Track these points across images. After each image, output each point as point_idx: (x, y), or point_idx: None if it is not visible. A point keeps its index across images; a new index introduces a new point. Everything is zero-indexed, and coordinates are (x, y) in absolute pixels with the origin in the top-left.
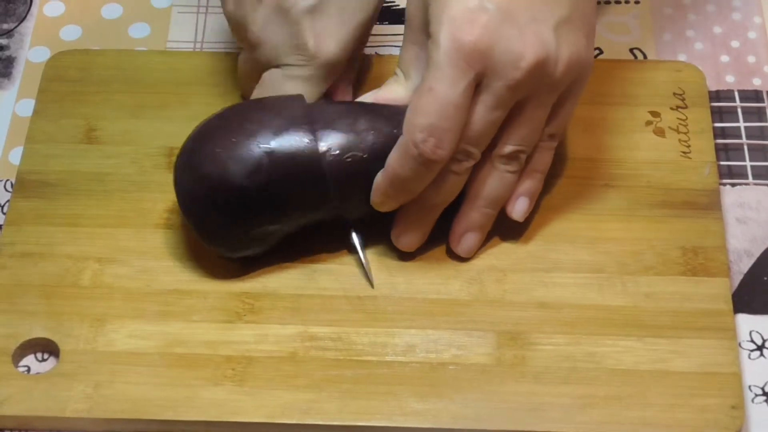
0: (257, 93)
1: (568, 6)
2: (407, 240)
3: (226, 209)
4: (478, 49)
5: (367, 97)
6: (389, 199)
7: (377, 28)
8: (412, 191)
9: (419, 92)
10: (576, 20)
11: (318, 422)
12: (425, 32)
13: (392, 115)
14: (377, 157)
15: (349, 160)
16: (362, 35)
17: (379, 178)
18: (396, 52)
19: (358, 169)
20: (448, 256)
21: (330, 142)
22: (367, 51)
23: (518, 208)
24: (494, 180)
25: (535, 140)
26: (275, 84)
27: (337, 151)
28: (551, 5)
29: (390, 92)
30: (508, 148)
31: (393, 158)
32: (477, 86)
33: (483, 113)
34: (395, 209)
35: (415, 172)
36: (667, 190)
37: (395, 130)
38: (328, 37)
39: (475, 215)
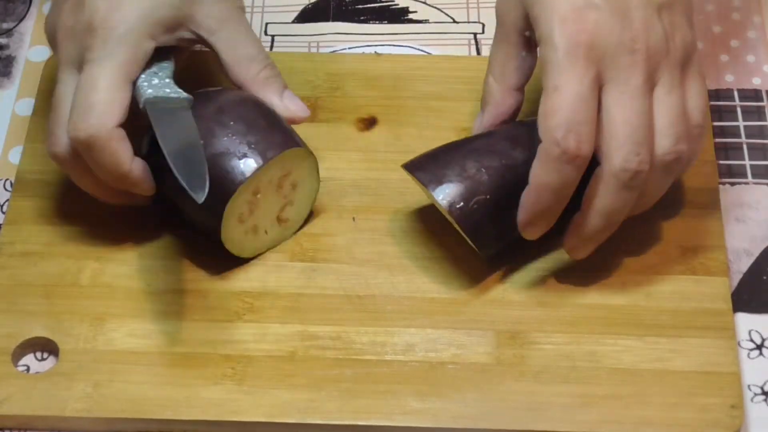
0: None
1: None
2: (582, 251)
3: None
4: (595, 43)
5: (476, 126)
6: (539, 216)
7: (377, 28)
8: (562, 198)
9: (545, 96)
10: (676, 3)
11: (317, 421)
12: (521, 33)
13: (491, 147)
14: (497, 192)
15: (475, 206)
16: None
17: (525, 196)
18: (395, 51)
19: (486, 212)
20: (448, 255)
21: (450, 195)
22: (367, 50)
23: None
24: (657, 182)
25: (686, 128)
26: (84, 78)
27: (461, 203)
28: None
29: (492, 106)
30: (667, 141)
31: (536, 168)
32: (602, 87)
33: (626, 107)
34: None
35: (562, 174)
36: None
37: (503, 160)
38: (121, 8)
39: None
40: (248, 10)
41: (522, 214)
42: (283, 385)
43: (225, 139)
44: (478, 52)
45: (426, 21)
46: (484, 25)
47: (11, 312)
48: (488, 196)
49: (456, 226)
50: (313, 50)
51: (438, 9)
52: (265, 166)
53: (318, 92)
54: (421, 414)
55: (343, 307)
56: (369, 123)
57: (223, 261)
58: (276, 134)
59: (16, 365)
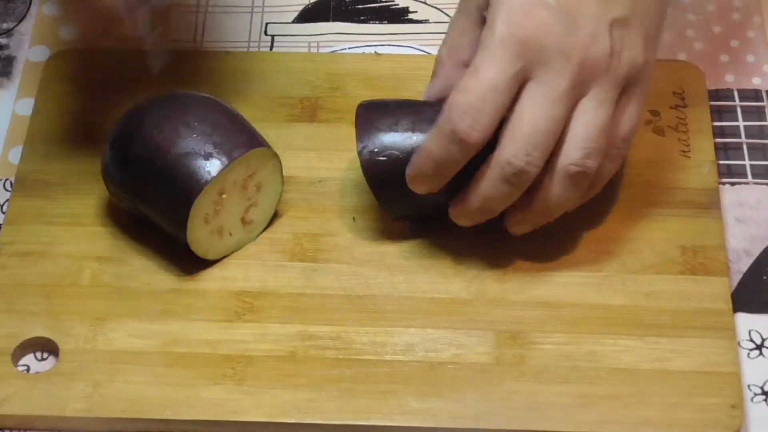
0: None
1: (628, 7)
2: (467, 222)
3: None
4: (532, 40)
5: (425, 94)
6: (422, 179)
7: (377, 28)
8: (444, 174)
9: (467, 74)
10: (634, 22)
11: (317, 421)
12: (480, 11)
13: (432, 116)
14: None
15: (384, 159)
16: None
17: (414, 156)
18: (395, 51)
19: (392, 169)
20: (448, 255)
21: (367, 141)
22: (367, 50)
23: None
24: (557, 191)
25: (602, 145)
26: None
27: (373, 150)
28: (609, 5)
29: (441, 78)
30: (576, 153)
31: (429, 136)
32: (525, 83)
33: (539, 107)
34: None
35: (448, 152)
36: (667, 189)
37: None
38: None
39: (530, 217)
40: (248, 10)
41: (408, 168)
42: (283, 385)
43: (190, 139)
44: None
45: (426, 21)
46: None
47: (11, 312)
48: (401, 156)
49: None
50: (313, 50)
51: (438, 9)
52: (231, 165)
53: (318, 92)
54: (421, 414)
55: (343, 307)
56: None
57: (223, 261)
58: (241, 135)
59: (16, 365)
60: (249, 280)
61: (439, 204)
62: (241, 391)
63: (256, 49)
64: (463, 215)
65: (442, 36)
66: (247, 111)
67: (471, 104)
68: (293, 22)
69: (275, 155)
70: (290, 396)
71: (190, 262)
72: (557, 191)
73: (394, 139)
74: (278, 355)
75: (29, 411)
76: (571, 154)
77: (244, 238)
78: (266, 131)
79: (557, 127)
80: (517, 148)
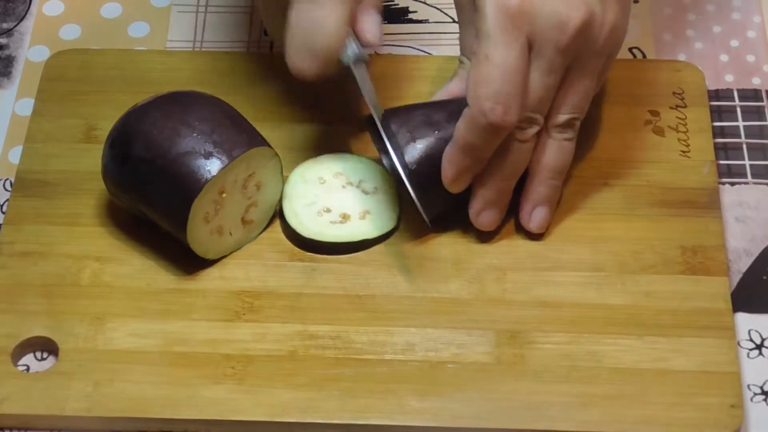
0: (288, 38)
1: None
2: (487, 218)
3: None
4: (524, 11)
5: (439, 95)
6: (460, 171)
7: None
8: (482, 159)
9: (476, 63)
10: None
11: (317, 421)
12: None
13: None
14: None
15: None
16: None
17: (449, 151)
18: (395, 51)
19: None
20: (448, 255)
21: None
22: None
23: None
24: (553, 150)
25: (586, 108)
26: (300, 15)
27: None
28: None
29: (459, 84)
30: (563, 117)
31: (461, 129)
32: (529, 53)
33: (539, 78)
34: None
35: (485, 140)
36: (667, 189)
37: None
38: None
39: (541, 189)
40: (248, 10)
41: (448, 169)
42: (283, 385)
43: (190, 139)
44: None
45: (426, 21)
46: None
47: (11, 312)
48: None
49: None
50: None
51: (438, 9)
52: (231, 164)
53: (318, 92)
54: (421, 413)
55: (343, 306)
56: None
57: (223, 261)
58: (241, 134)
59: (15, 365)
60: (249, 280)
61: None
62: (241, 390)
63: (256, 49)
64: (485, 209)
65: (442, 36)
66: (247, 111)
67: (498, 92)
68: None
69: (275, 155)
70: (290, 395)
71: (190, 262)
72: (551, 151)
73: (432, 136)
74: (278, 354)
75: (29, 410)
76: (558, 118)
77: (244, 237)
78: (266, 131)
79: (552, 89)
80: (486, 97)
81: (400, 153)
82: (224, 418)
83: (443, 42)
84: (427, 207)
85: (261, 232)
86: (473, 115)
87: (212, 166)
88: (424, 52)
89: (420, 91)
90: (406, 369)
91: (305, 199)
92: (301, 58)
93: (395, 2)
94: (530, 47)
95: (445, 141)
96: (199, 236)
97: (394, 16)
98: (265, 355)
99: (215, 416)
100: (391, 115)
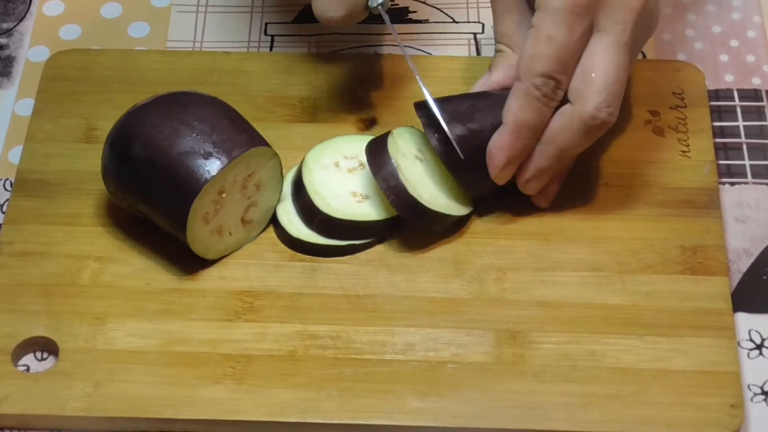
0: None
1: None
2: (535, 185)
3: None
4: None
5: (479, 85)
6: (511, 157)
7: (376, 28)
8: (537, 136)
9: (536, 39)
10: None
11: (317, 420)
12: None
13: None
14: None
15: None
16: None
17: (498, 137)
18: (395, 51)
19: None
20: (448, 255)
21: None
22: (367, 50)
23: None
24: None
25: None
26: None
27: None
28: None
29: (503, 72)
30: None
31: (515, 106)
32: (592, 35)
33: (602, 53)
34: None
35: (540, 114)
36: (667, 189)
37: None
38: None
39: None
40: (248, 10)
41: (500, 153)
42: (283, 385)
43: (189, 139)
44: (478, 53)
45: (426, 21)
46: (483, 25)
47: (11, 312)
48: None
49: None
50: (313, 50)
51: (438, 9)
52: (230, 164)
53: (318, 92)
54: (421, 413)
55: (343, 306)
56: (369, 123)
57: (223, 261)
58: (241, 134)
59: (15, 365)
60: (249, 280)
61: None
62: (241, 390)
63: (256, 49)
64: (535, 178)
65: (442, 36)
66: (247, 111)
67: (555, 69)
68: (293, 22)
69: (275, 155)
70: (290, 395)
71: (190, 261)
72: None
73: (480, 116)
74: (278, 354)
75: (29, 410)
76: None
77: (243, 237)
78: (266, 131)
79: (627, 75)
80: (600, 100)
81: (448, 136)
82: (224, 418)
83: (443, 42)
84: (475, 188)
85: (261, 232)
86: (526, 88)
87: (212, 166)
88: (424, 52)
89: (420, 91)
90: (406, 369)
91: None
92: (328, 2)
93: (395, 2)
94: (592, 27)
95: (492, 129)
96: (199, 236)
97: (394, 16)
98: (265, 355)
99: (215, 416)
100: (441, 101)
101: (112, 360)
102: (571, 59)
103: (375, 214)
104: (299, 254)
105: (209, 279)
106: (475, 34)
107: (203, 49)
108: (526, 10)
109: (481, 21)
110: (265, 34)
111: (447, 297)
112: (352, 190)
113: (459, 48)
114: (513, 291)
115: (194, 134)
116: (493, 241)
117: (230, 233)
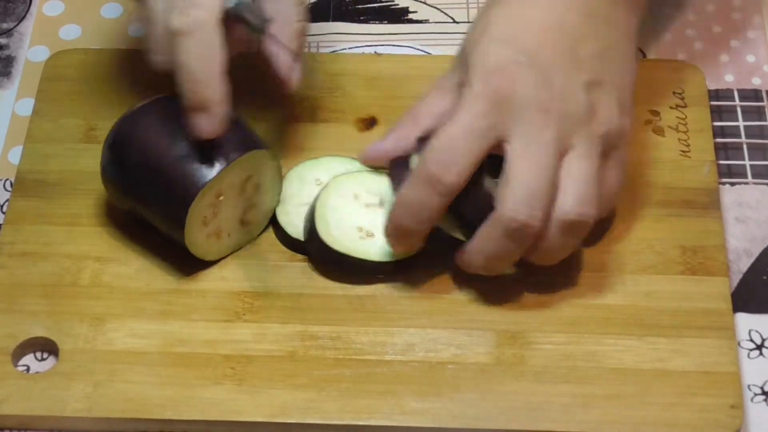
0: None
1: (600, 71)
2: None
3: None
4: (507, 94)
5: (373, 149)
6: (401, 232)
7: (377, 28)
8: (423, 220)
9: (444, 125)
10: (607, 86)
11: (317, 421)
12: (456, 88)
13: None
14: None
15: None
16: None
17: (392, 209)
18: (395, 51)
19: None
20: (448, 255)
21: None
22: (367, 50)
23: None
24: (556, 241)
25: (595, 192)
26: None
27: None
28: (582, 66)
29: (394, 143)
30: (571, 202)
31: (405, 185)
32: (507, 139)
33: (530, 161)
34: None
35: (423, 196)
36: (667, 189)
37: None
38: None
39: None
40: None
41: (387, 226)
42: (283, 385)
43: (186, 142)
44: None
45: (426, 21)
46: None
47: (11, 312)
48: None
49: None
50: (313, 50)
51: (438, 9)
52: (227, 168)
53: (318, 92)
54: (421, 414)
55: (343, 307)
56: (369, 123)
57: (223, 261)
58: (238, 137)
59: (16, 365)
60: (249, 280)
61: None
62: (241, 391)
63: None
64: (464, 266)
65: (442, 36)
66: (247, 111)
67: (444, 146)
68: None
69: (274, 157)
70: (290, 396)
71: (189, 262)
72: (556, 241)
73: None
74: (278, 355)
75: (29, 411)
76: (568, 203)
77: (243, 238)
78: (266, 131)
79: (551, 178)
80: (517, 202)
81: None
82: (224, 418)
83: (443, 42)
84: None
85: (261, 233)
86: (417, 167)
87: (208, 171)
88: (424, 52)
89: (420, 91)
90: (406, 369)
91: (298, 199)
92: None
93: (395, 2)
94: (506, 135)
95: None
96: (197, 239)
97: (394, 16)
98: (265, 356)
99: (215, 417)
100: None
101: (112, 360)
102: (467, 141)
103: (373, 253)
104: (300, 254)
105: (209, 279)
106: None
107: None
108: (453, 100)
109: None
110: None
111: (447, 297)
112: (359, 224)
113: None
114: (513, 291)
115: (191, 137)
116: None
117: (229, 235)
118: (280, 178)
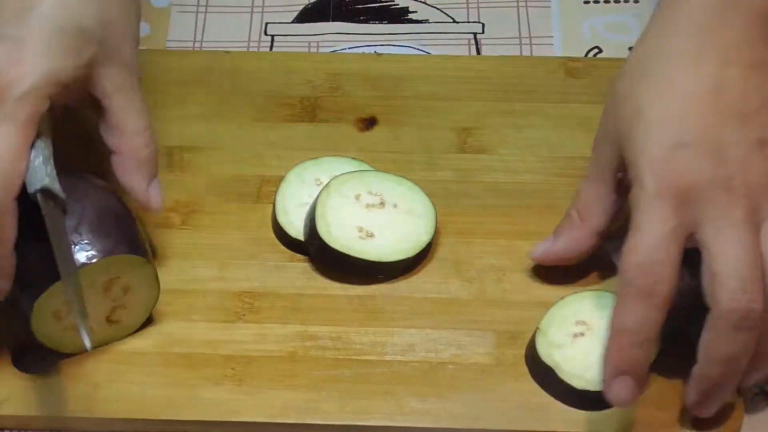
0: None
1: (765, 123)
2: (711, 408)
3: None
4: (686, 184)
5: (541, 251)
6: (630, 361)
7: (377, 27)
8: (644, 339)
9: (629, 235)
10: None
11: (317, 422)
12: (614, 174)
13: None
14: None
15: None
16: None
17: (609, 341)
18: (395, 51)
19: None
20: (448, 255)
21: None
22: (367, 50)
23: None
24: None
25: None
26: None
27: None
28: (749, 124)
29: (565, 245)
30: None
31: (616, 309)
32: (697, 229)
33: (727, 244)
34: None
35: (638, 313)
36: None
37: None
38: (21, 62)
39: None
40: (248, 10)
41: (608, 356)
42: (283, 386)
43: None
44: (478, 52)
45: (426, 21)
46: (483, 25)
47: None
48: None
49: None
50: (313, 50)
51: (438, 9)
52: (81, 269)
53: (318, 92)
54: (421, 414)
55: (343, 307)
56: (369, 123)
57: (222, 261)
58: (107, 238)
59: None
60: (249, 280)
61: None
62: (241, 391)
63: (256, 49)
64: (704, 396)
65: (442, 36)
66: (247, 111)
67: (644, 260)
68: (293, 22)
69: (147, 263)
70: (290, 396)
71: (190, 262)
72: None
73: None
74: (278, 355)
75: (29, 411)
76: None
77: (110, 335)
78: (266, 131)
79: (755, 255)
80: (730, 289)
81: None
82: (224, 419)
83: (443, 42)
84: None
85: (138, 330)
86: (622, 287)
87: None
88: (424, 52)
89: (420, 91)
90: (406, 370)
91: (298, 200)
92: None
93: (395, 2)
94: (695, 225)
95: None
96: (49, 331)
97: (394, 16)
98: (265, 356)
99: (215, 417)
100: None
101: (112, 361)
102: (665, 248)
103: (372, 254)
104: (299, 255)
105: (209, 280)
106: (475, 33)
107: (203, 49)
108: (613, 186)
109: (481, 21)
110: (265, 34)
111: (447, 297)
112: (360, 224)
113: (459, 48)
114: (513, 291)
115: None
116: (493, 241)
117: (92, 330)
118: (156, 282)
